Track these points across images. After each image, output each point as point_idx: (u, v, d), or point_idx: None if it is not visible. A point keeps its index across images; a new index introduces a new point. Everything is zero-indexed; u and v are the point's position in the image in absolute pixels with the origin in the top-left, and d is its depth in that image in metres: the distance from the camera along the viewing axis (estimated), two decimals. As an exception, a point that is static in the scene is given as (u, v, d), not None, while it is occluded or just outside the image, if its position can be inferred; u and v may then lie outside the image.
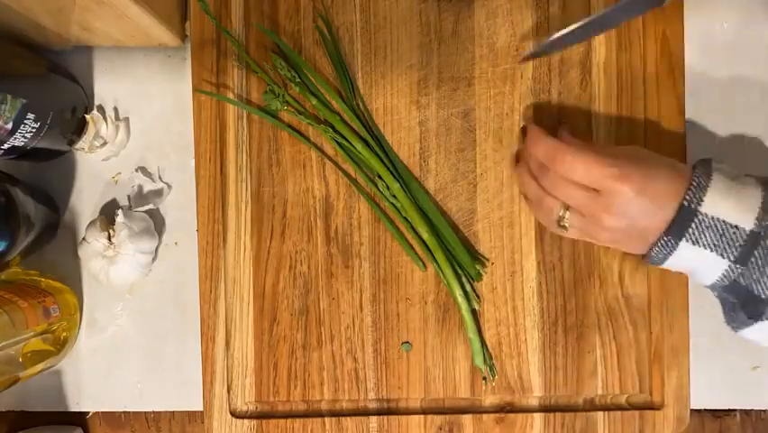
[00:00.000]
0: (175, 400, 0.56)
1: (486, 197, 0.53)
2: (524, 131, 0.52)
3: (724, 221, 0.42)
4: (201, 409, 0.54)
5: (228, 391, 0.53)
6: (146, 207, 0.55)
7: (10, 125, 0.46)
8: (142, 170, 0.56)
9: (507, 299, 0.53)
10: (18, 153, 0.49)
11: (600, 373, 0.53)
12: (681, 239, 0.43)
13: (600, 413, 0.52)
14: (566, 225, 0.46)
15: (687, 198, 0.42)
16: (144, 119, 0.56)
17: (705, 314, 0.55)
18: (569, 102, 0.52)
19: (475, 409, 0.53)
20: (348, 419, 0.53)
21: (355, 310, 0.53)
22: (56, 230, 0.56)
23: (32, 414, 0.56)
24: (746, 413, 0.56)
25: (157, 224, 0.56)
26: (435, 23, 0.52)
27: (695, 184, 0.43)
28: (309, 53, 0.53)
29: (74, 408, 0.56)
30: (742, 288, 0.43)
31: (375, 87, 0.53)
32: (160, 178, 0.56)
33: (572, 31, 0.49)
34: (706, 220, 0.42)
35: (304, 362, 0.53)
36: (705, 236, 0.42)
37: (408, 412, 0.53)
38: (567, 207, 0.46)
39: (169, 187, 0.56)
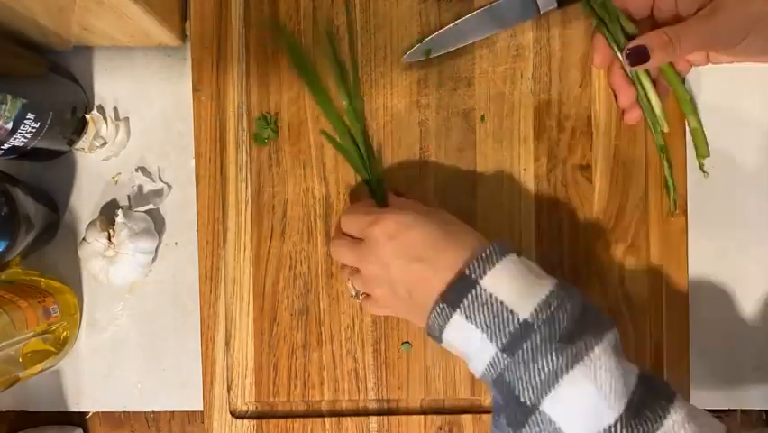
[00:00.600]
0: (175, 400, 0.56)
1: (486, 197, 0.53)
2: None
3: (501, 302, 0.39)
4: (201, 409, 0.54)
5: (228, 391, 0.53)
6: (146, 207, 0.55)
7: (10, 125, 0.46)
8: (142, 170, 0.56)
9: (507, 299, 0.53)
10: (18, 153, 0.49)
11: (600, 373, 0.52)
12: (455, 310, 0.40)
13: (600, 413, 0.52)
14: (353, 293, 0.47)
15: (470, 266, 0.40)
16: (144, 119, 0.56)
17: (705, 314, 0.55)
18: (569, 102, 0.52)
19: (475, 410, 0.53)
20: (348, 419, 0.53)
21: (355, 310, 0.53)
22: (56, 230, 0.56)
23: (32, 414, 0.56)
24: (746, 413, 0.56)
25: (157, 224, 0.56)
26: (435, 23, 0.52)
27: (484, 256, 0.40)
28: (309, 53, 0.53)
29: (74, 408, 0.56)
30: (506, 384, 0.39)
31: (375, 86, 0.53)
32: (160, 178, 0.56)
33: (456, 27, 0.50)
34: (483, 295, 0.39)
35: (304, 362, 0.53)
36: (479, 313, 0.39)
37: (408, 412, 0.53)
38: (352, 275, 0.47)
39: (169, 187, 0.56)
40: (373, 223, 0.43)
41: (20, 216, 0.49)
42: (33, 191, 0.53)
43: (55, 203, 0.56)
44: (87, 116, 0.54)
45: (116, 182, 0.56)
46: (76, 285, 0.56)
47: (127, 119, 0.56)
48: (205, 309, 0.53)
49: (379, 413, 0.53)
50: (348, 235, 0.47)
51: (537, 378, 0.38)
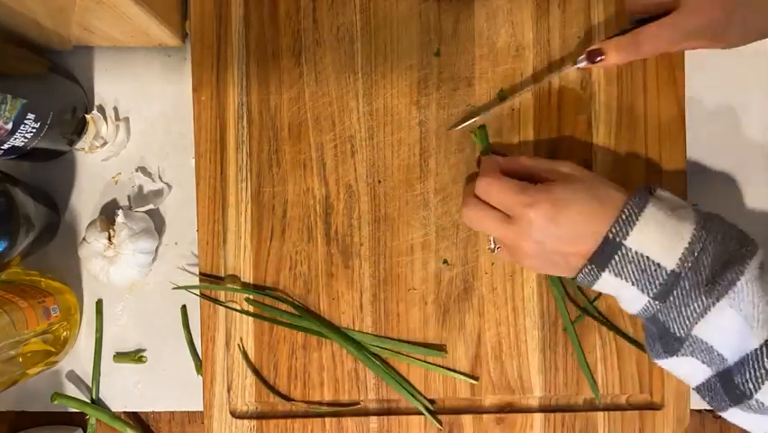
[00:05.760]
0: (175, 401, 0.56)
1: (486, 197, 0.53)
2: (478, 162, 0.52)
3: (647, 257, 0.41)
4: (201, 409, 0.54)
5: (228, 391, 0.53)
6: (146, 207, 0.55)
7: (10, 125, 0.46)
8: (142, 170, 0.56)
9: (507, 299, 0.53)
10: (18, 153, 0.49)
11: (600, 373, 0.53)
12: (603, 270, 0.43)
13: (600, 413, 0.52)
14: (493, 249, 0.48)
15: (613, 229, 0.42)
16: (144, 119, 0.56)
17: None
18: (569, 102, 0.52)
19: (475, 410, 0.53)
20: (348, 419, 0.53)
21: (355, 310, 0.53)
22: (56, 230, 0.56)
23: (32, 414, 0.56)
24: (746, 413, 0.56)
25: (157, 224, 0.56)
26: (435, 23, 0.52)
27: (624, 217, 0.42)
28: (309, 53, 0.53)
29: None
30: (660, 322, 0.43)
31: (375, 86, 0.53)
32: (160, 178, 0.56)
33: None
34: (629, 254, 0.42)
35: (304, 362, 0.53)
36: (627, 270, 0.42)
37: (408, 412, 0.53)
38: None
39: (169, 187, 0.56)
40: (529, 205, 0.43)
41: (20, 216, 0.49)
42: (33, 191, 0.53)
43: (55, 203, 0.56)
44: (87, 116, 0.54)
45: (116, 182, 0.56)
46: (76, 285, 0.56)
47: (127, 119, 0.56)
48: (205, 309, 0.53)
49: (379, 413, 0.53)
50: (484, 202, 0.47)
51: (688, 317, 0.41)
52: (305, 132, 0.53)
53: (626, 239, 0.42)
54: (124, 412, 0.57)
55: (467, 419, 0.53)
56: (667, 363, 0.45)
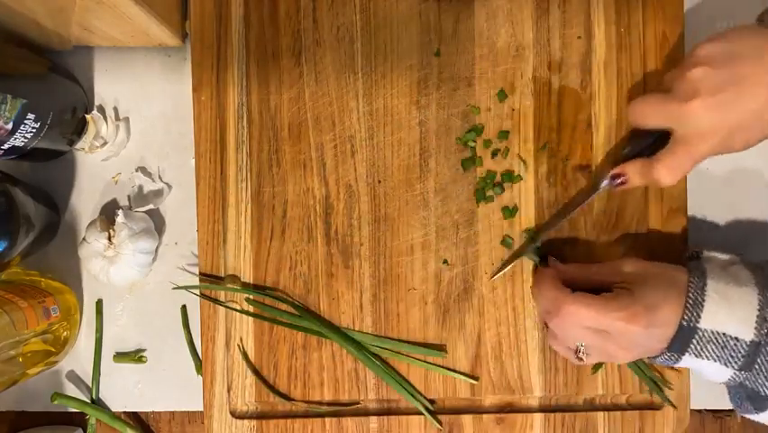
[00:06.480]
0: (175, 401, 0.56)
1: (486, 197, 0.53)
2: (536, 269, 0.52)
3: (724, 333, 0.43)
4: (201, 409, 0.54)
5: (228, 391, 0.53)
6: (146, 207, 0.55)
7: (10, 125, 0.46)
8: (142, 170, 0.56)
9: (508, 299, 0.53)
10: (18, 153, 0.49)
11: (600, 374, 0.53)
12: (683, 354, 0.44)
13: (600, 413, 0.52)
14: (583, 358, 0.47)
15: (685, 317, 0.43)
16: (144, 119, 0.56)
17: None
18: (569, 102, 0.52)
19: (475, 410, 0.53)
20: (348, 419, 0.53)
21: (355, 310, 0.53)
22: (56, 230, 0.56)
23: (32, 414, 0.56)
24: (746, 413, 0.56)
25: (157, 224, 0.56)
26: (435, 23, 0.52)
27: (691, 301, 0.43)
28: (309, 53, 0.53)
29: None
30: (747, 388, 0.44)
31: (375, 87, 0.53)
32: (160, 178, 0.56)
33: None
34: (706, 335, 0.43)
35: (304, 362, 0.53)
36: (707, 350, 0.44)
37: (408, 412, 0.53)
38: (582, 343, 0.47)
39: (169, 187, 0.56)
40: (627, 320, 0.44)
41: (20, 216, 0.49)
42: (33, 191, 0.53)
43: (55, 203, 0.56)
44: (87, 116, 0.54)
45: (116, 182, 0.56)
46: (76, 285, 0.56)
47: (127, 119, 0.56)
48: (205, 309, 0.53)
49: (379, 413, 0.53)
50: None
51: None
52: (305, 132, 0.53)
53: (698, 322, 0.43)
54: (124, 412, 0.57)
55: (467, 419, 0.53)
56: (758, 417, 0.46)
